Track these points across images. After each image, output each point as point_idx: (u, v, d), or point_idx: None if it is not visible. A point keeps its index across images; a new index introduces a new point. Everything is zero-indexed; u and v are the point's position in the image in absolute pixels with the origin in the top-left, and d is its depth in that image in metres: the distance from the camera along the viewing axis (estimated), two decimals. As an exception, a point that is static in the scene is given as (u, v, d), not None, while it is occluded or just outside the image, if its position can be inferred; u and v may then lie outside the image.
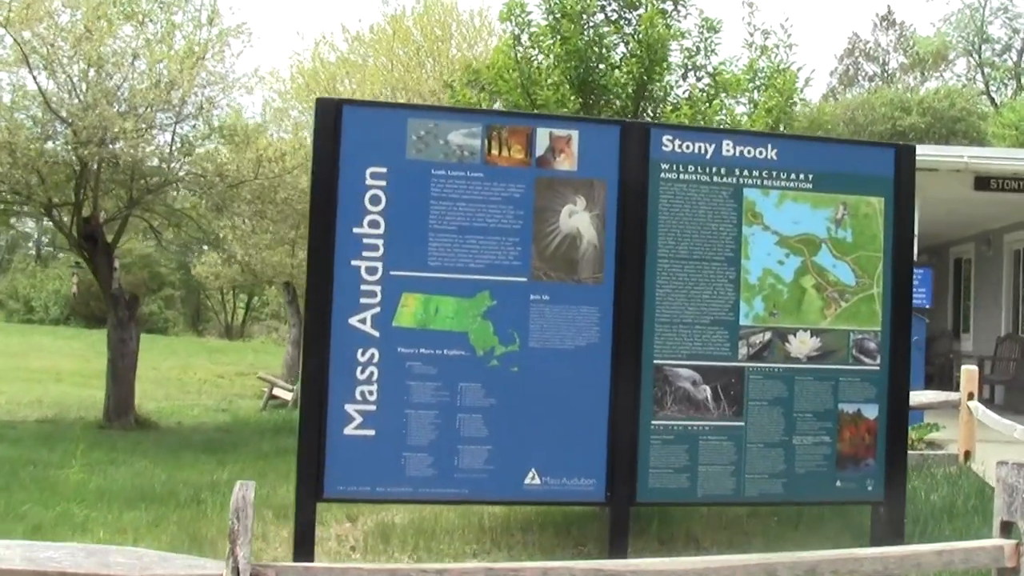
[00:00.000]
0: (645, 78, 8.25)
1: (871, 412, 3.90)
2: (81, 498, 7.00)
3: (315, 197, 3.47)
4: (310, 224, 3.46)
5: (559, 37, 8.19)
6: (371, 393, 3.46)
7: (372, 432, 3.46)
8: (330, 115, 3.46)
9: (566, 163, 3.63)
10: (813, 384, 3.84)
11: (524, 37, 8.38)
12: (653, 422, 3.69)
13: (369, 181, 3.48)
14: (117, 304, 12.11)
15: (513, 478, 3.56)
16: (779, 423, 3.79)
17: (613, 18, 8.93)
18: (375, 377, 3.47)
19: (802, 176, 3.85)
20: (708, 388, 3.75)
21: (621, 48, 8.81)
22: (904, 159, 3.97)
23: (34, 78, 11.43)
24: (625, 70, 8.47)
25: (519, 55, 8.26)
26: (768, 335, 3.81)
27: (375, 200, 3.48)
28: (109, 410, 11.90)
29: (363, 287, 3.47)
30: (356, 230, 3.47)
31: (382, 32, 17.62)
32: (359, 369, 3.46)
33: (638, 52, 8.34)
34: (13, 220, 15.77)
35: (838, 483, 3.86)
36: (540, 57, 8.45)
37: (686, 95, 8.84)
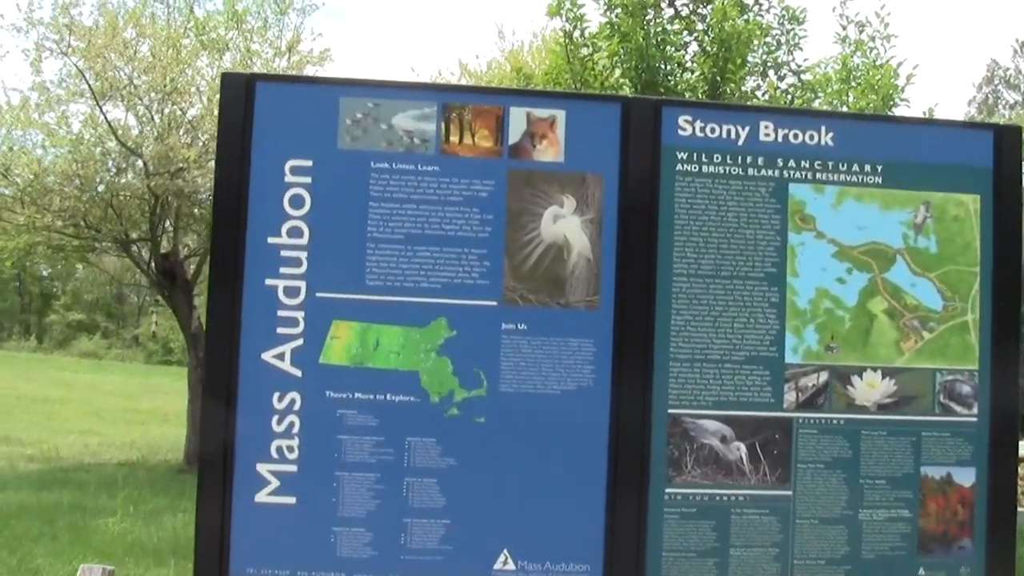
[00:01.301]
0: (719, 79, 7.27)
1: (966, 477, 2.93)
2: (109, 552, 6.61)
3: (219, 198, 2.72)
4: (213, 232, 2.72)
5: (618, 34, 7.33)
6: (291, 449, 2.69)
7: (292, 500, 2.68)
8: (238, 94, 2.71)
9: (549, 152, 2.80)
10: (886, 441, 2.89)
11: (577, 34, 7.57)
12: (668, 490, 2.80)
13: (289, 177, 2.72)
14: (196, 344, 11.85)
15: (478, 562, 2.72)
16: (840, 492, 2.86)
17: (684, 13, 8.05)
18: (296, 429, 2.69)
19: (868, 168, 2.92)
20: (743, 446, 2.85)
21: (694, 47, 7.93)
22: (1007, 144, 2.99)
23: (100, 108, 11.27)
24: (696, 70, 7.56)
25: (571, 54, 7.42)
26: (824, 376, 2.88)
27: (297, 202, 2.72)
28: (189, 454, 11.64)
29: (281, 313, 2.70)
30: (272, 240, 2.71)
31: (500, 68, 17.18)
32: (275, 419, 2.69)
33: (710, 49, 7.40)
34: (92, 256, 15.74)
35: (921, 571, 2.90)
36: (597, 57, 7.65)
37: (766, 97, 7.90)
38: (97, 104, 11.21)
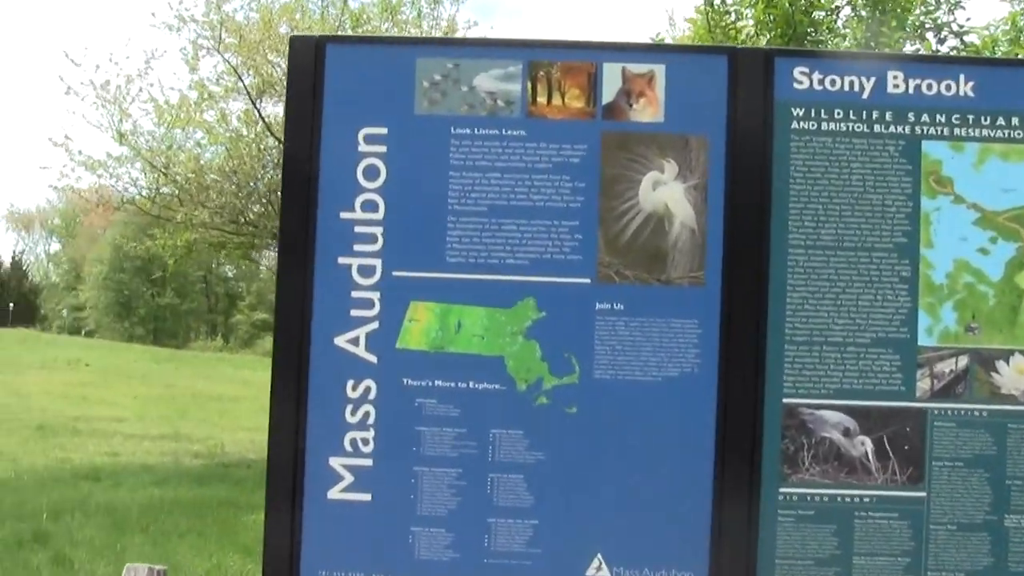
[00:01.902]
0: (872, 44, 6.78)
1: None
2: (252, 549, 6.73)
3: (288, 171, 2.50)
4: (281, 209, 2.50)
5: (763, 0, 6.90)
6: (366, 442, 2.48)
7: (367, 496, 2.47)
8: (307, 58, 2.49)
9: (648, 112, 2.50)
10: (1037, 435, 2.52)
11: (719, 1, 7.17)
12: (782, 490, 2.49)
13: (363, 147, 2.49)
14: None
15: (569, 568, 2.47)
16: (982, 494, 2.50)
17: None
18: (372, 420, 2.48)
19: (1016, 120, 2.54)
20: (868, 440, 2.52)
21: (846, 10, 7.39)
22: None
23: (255, 105, 11.38)
24: (848, 35, 7.08)
25: (713, 23, 7.03)
26: (963, 361, 2.53)
27: (371, 173, 2.49)
28: None
29: (355, 294, 2.48)
30: (345, 215, 2.49)
31: None
32: (349, 409, 2.48)
33: (863, 12, 6.90)
34: (253, 253, 16.07)
35: (1078, 585, 2.52)
36: (742, 25, 7.25)
37: (924, 62, 7.36)
38: (252, 102, 11.29)
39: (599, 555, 2.47)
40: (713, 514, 2.47)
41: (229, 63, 11.56)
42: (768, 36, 6.66)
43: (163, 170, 12.05)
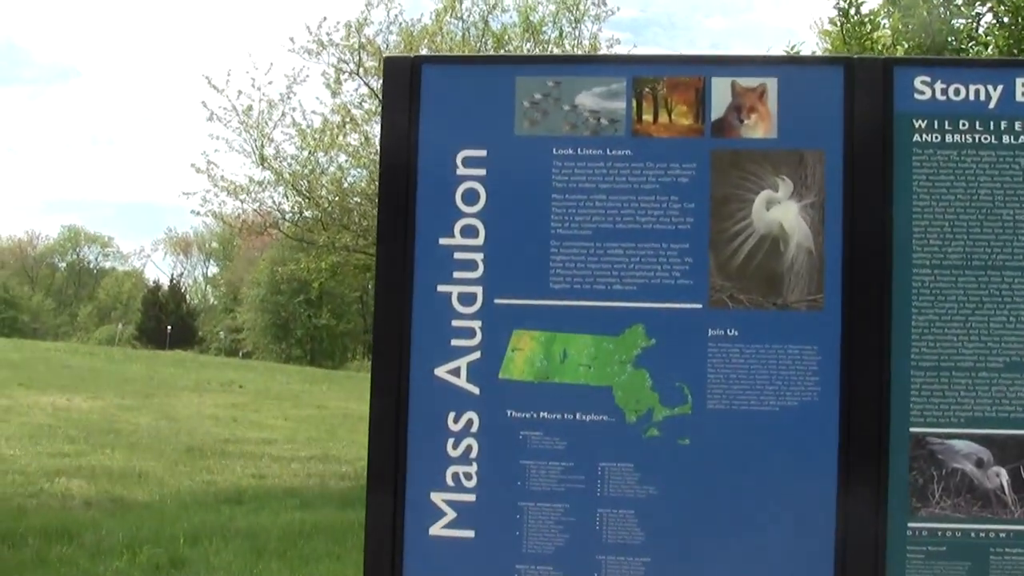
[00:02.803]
0: (1015, 51, 6.53)
1: None
2: None
3: (384, 195, 2.43)
4: (378, 234, 2.43)
5: (899, 8, 6.67)
6: (469, 477, 2.38)
7: (471, 533, 2.38)
8: (403, 79, 2.41)
9: (760, 128, 2.38)
10: None
11: (854, 12, 6.98)
12: (911, 525, 2.34)
13: (462, 170, 2.41)
14: None
15: (685, 608, 2.35)
16: None
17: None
18: (474, 454, 2.38)
19: None
20: (1004, 471, 2.35)
21: (988, 17, 7.14)
22: None
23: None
24: (990, 43, 6.83)
25: (848, 34, 6.84)
26: (1106, 386, 2.35)
27: (471, 197, 2.41)
28: None
29: (455, 323, 2.39)
30: (444, 241, 2.40)
31: None
32: (451, 442, 2.39)
33: (1005, 19, 6.66)
34: None
35: None
36: (878, 36, 7.04)
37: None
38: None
39: (716, 595, 2.34)
40: (837, 551, 2.32)
41: (370, 87, 11.65)
42: (906, 46, 6.44)
43: (306, 194, 12.19)
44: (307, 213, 12.89)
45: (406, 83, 2.42)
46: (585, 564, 2.35)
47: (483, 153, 2.40)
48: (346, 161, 12.46)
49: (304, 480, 12.80)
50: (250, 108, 12.76)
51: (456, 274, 2.39)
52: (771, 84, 2.38)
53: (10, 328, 65.23)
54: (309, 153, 12.54)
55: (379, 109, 11.61)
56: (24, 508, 9.70)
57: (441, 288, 2.39)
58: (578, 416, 2.37)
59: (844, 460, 2.33)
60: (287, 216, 13.39)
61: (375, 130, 12.13)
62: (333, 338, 58.86)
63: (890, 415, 2.34)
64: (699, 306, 2.36)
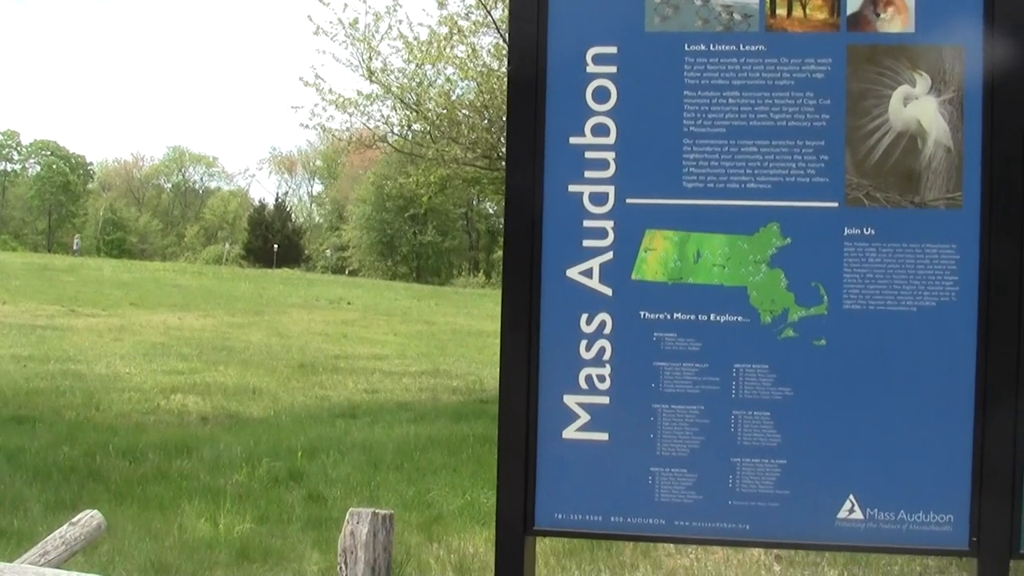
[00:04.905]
0: None
1: None
2: None
3: (513, 95, 2.38)
4: (508, 134, 2.39)
5: None
6: (602, 379, 2.35)
7: (605, 436, 2.35)
8: (532, -26, 2.36)
9: (896, 22, 2.32)
10: None
11: None
12: (1051, 426, 2.31)
13: (592, 67, 2.36)
14: None
15: (820, 510, 2.32)
16: None
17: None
18: (608, 355, 2.35)
19: None
20: None
21: None
22: None
23: (505, 39, 11.35)
24: None
25: None
26: None
27: (601, 95, 2.36)
28: None
29: (587, 223, 2.36)
30: (575, 140, 2.36)
31: None
32: (584, 344, 2.36)
33: None
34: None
35: None
36: None
37: None
38: (501, 36, 11.18)
39: (851, 496, 2.31)
40: (975, 454, 2.29)
41: None
42: None
43: (414, 107, 12.08)
44: (415, 126, 12.77)
45: (534, -21, 2.36)
46: (720, 467, 2.33)
47: (614, 50, 2.35)
48: (454, 73, 12.30)
49: (416, 395, 12.87)
50: (356, 21, 12.61)
51: (587, 173, 2.35)
52: (910, -23, 2.32)
53: (119, 250, 65.54)
54: (417, 66, 12.40)
55: (486, 20, 11.42)
56: (142, 424, 9.86)
57: (572, 188, 2.35)
58: (712, 317, 2.33)
59: (983, 361, 2.30)
60: (395, 130, 13.30)
61: (482, 41, 11.96)
62: (439, 255, 59.12)
63: (1030, 315, 2.30)
64: (835, 204, 2.32)
